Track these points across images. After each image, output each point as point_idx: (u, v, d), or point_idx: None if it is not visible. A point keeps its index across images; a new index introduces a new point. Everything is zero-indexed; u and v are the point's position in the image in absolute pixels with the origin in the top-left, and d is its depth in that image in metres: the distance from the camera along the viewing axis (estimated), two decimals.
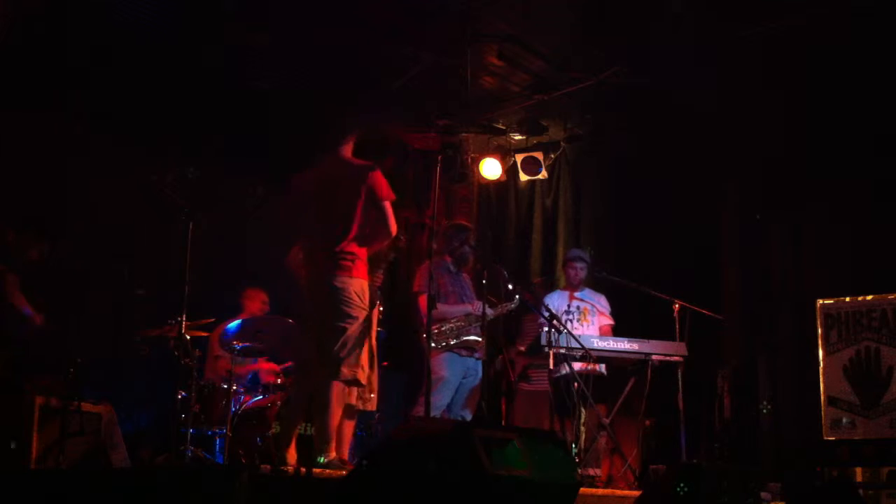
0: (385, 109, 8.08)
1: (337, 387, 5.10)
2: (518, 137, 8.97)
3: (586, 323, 7.24)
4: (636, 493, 5.39)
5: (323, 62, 7.22)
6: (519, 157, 8.85)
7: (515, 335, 7.69)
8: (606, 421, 6.65)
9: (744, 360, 7.13)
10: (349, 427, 5.93)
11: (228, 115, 7.25)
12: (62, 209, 6.87)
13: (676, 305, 6.83)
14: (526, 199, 9.13)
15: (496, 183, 8.99)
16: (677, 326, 6.80)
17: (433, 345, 6.33)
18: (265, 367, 7.24)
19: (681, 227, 7.65)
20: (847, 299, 6.18)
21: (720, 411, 6.67)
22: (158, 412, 6.77)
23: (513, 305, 6.99)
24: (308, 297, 5.25)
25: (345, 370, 5.11)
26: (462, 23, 6.86)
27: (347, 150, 5.45)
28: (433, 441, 3.76)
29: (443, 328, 6.62)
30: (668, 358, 6.71)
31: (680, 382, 6.64)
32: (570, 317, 7.20)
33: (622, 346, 6.73)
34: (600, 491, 5.77)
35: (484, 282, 6.48)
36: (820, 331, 6.21)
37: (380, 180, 5.22)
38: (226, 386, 6.53)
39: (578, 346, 6.43)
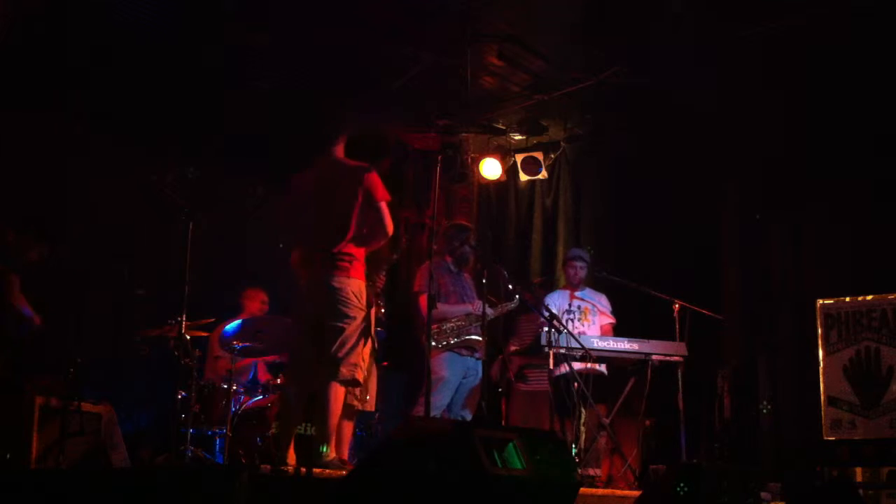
0: (385, 109, 8.08)
1: (336, 387, 5.11)
2: (518, 137, 8.97)
3: (587, 322, 7.23)
4: (636, 493, 5.39)
5: (323, 62, 7.22)
6: (519, 157, 8.86)
7: (509, 335, 7.69)
8: (606, 421, 6.66)
9: (744, 360, 7.13)
10: (349, 427, 5.94)
11: (228, 115, 7.26)
12: (62, 209, 6.88)
13: (676, 305, 6.83)
14: (526, 199, 9.13)
15: (496, 183, 8.99)
16: (677, 326, 6.80)
17: (433, 344, 6.33)
18: (269, 359, 7.23)
19: (681, 227, 7.65)
20: (847, 299, 6.18)
21: (720, 411, 6.67)
22: (158, 412, 6.78)
23: (513, 305, 6.99)
24: (306, 297, 5.26)
25: (343, 370, 5.12)
26: (462, 23, 6.86)
27: (339, 151, 5.45)
28: (433, 441, 3.76)
29: (443, 327, 6.62)
30: (668, 358, 6.71)
31: (680, 382, 6.64)
32: (572, 316, 7.20)
33: (622, 346, 6.73)
34: (600, 491, 5.77)
35: (484, 281, 6.48)
36: (820, 331, 6.21)
37: (376, 181, 5.23)
38: (226, 386, 6.53)
39: (578, 346, 6.42)
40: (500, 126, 8.62)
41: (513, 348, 7.59)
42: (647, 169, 8.00)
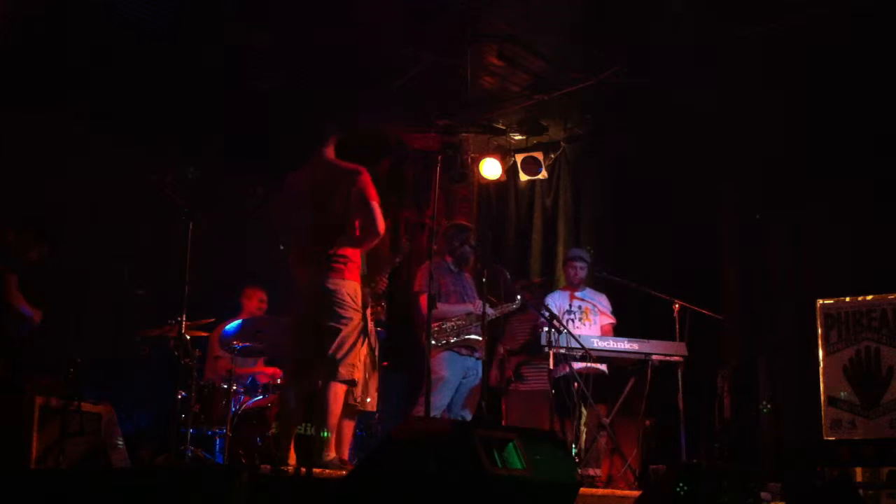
0: (385, 109, 8.08)
1: (335, 387, 5.13)
2: (518, 137, 8.97)
3: (588, 322, 7.23)
4: (636, 493, 5.39)
5: (323, 62, 7.22)
6: (519, 157, 8.86)
7: (499, 336, 7.67)
8: (606, 421, 6.65)
9: (744, 360, 7.13)
10: (349, 427, 5.94)
11: (228, 115, 7.26)
12: (62, 209, 6.87)
13: (676, 305, 6.83)
14: (526, 199, 9.13)
15: (496, 183, 8.99)
16: (677, 326, 6.80)
17: (433, 342, 6.33)
18: (269, 370, 7.24)
19: (681, 227, 7.65)
20: (847, 299, 6.18)
21: (720, 411, 6.67)
22: (158, 412, 6.78)
23: (514, 306, 7.00)
24: (303, 298, 5.27)
25: (342, 371, 5.13)
26: (462, 23, 6.86)
27: (330, 152, 5.46)
28: (433, 441, 3.76)
29: (443, 326, 6.63)
30: (668, 358, 6.71)
31: (680, 382, 6.64)
32: (572, 316, 7.20)
33: (622, 346, 6.72)
34: (600, 491, 5.76)
35: (484, 281, 6.48)
36: (820, 331, 6.20)
37: (368, 182, 5.24)
38: (226, 386, 6.53)
39: (578, 346, 6.42)
40: (500, 126, 8.62)
41: (502, 349, 7.58)
42: (647, 169, 8.00)
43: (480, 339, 6.61)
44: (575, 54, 7.42)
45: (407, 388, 8.00)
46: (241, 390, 6.81)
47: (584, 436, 6.73)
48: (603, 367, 6.95)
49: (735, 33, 6.87)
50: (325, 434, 5.05)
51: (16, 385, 5.57)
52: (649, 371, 6.63)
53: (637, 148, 8.11)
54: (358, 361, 5.27)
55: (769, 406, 7.07)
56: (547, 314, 6.56)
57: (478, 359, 6.73)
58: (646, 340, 6.76)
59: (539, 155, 8.79)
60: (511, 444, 3.92)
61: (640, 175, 8.10)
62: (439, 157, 6.36)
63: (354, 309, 5.19)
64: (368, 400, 6.05)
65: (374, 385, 6.17)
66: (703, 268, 7.45)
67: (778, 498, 5.81)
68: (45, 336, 5.94)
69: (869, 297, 6.12)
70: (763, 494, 5.48)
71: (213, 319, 6.67)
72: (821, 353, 6.18)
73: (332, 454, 5.15)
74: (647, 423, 6.92)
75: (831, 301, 6.21)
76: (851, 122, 6.94)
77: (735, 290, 7.36)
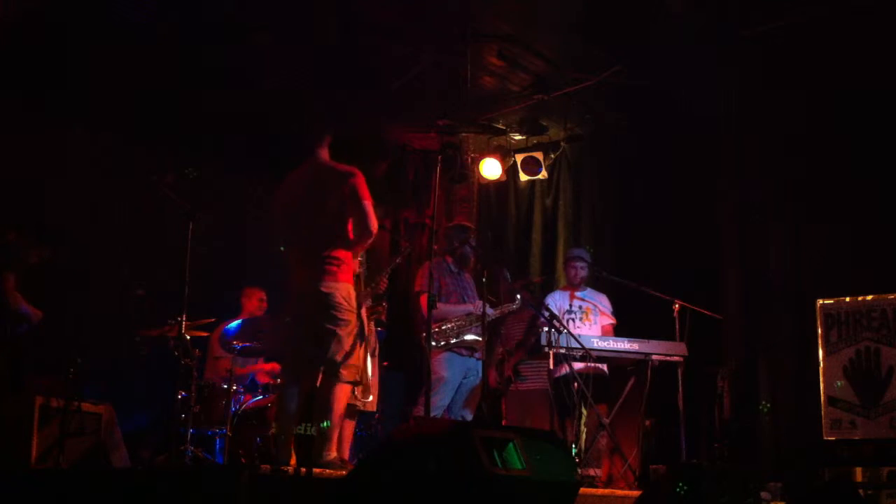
0: (385, 109, 8.09)
1: (338, 389, 5.14)
2: (518, 137, 8.98)
3: (588, 322, 7.23)
4: (636, 493, 5.39)
5: (323, 62, 7.22)
6: (519, 157, 8.86)
7: (497, 336, 7.66)
8: (606, 421, 6.65)
9: (744, 360, 7.12)
10: (349, 427, 5.94)
11: (228, 115, 7.25)
12: (62, 209, 6.87)
13: (676, 305, 6.83)
14: (526, 199, 9.13)
15: (496, 183, 8.99)
16: (677, 326, 6.79)
17: (433, 343, 6.33)
18: (266, 367, 7.24)
19: (681, 227, 7.64)
20: (847, 299, 6.17)
21: (720, 411, 6.66)
22: (158, 412, 6.77)
23: (515, 306, 7.00)
24: (298, 299, 5.28)
25: (344, 372, 5.15)
26: (462, 23, 6.86)
27: (324, 153, 5.46)
28: (433, 441, 3.76)
29: (443, 327, 6.63)
30: (668, 358, 6.70)
31: (680, 382, 6.64)
32: (573, 316, 7.20)
33: (622, 346, 6.72)
34: (600, 491, 5.76)
35: (484, 281, 6.48)
36: (820, 331, 6.20)
37: (362, 183, 5.24)
38: (226, 386, 6.53)
39: (578, 346, 6.42)
40: (500, 126, 8.62)
41: (500, 350, 7.57)
42: (647, 169, 8.00)
43: (480, 339, 6.61)
44: (575, 54, 7.42)
45: (407, 388, 8.00)
46: (241, 390, 6.81)
47: (584, 436, 6.73)
48: (603, 366, 6.95)
49: (735, 33, 6.87)
50: (327, 424, 5.05)
51: (16, 385, 5.57)
52: (649, 371, 6.63)
53: (637, 148, 8.11)
54: (358, 362, 5.28)
55: (769, 406, 7.06)
56: (547, 314, 6.55)
57: (478, 359, 6.73)
58: (646, 340, 6.75)
59: (539, 155, 8.79)
60: (511, 444, 3.92)
61: (640, 175, 8.10)
62: (439, 157, 6.34)
63: (349, 311, 5.20)
64: (369, 400, 6.05)
65: (374, 385, 6.18)
66: (703, 268, 7.44)
67: (778, 498, 5.81)
68: (45, 336, 5.93)
69: (869, 297, 6.12)
70: (763, 494, 5.48)
71: (213, 319, 6.67)
72: (821, 353, 6.18)
73: (334, 454, 5.16)
74: (647, 423, 6.91)
75: (831, 301, 6.21)
76: (851, 122, 6.94)
77: (735, 290, 7.35)
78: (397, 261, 6.70)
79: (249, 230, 7.62)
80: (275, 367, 7.06)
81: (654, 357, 6.69)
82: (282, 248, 5.42)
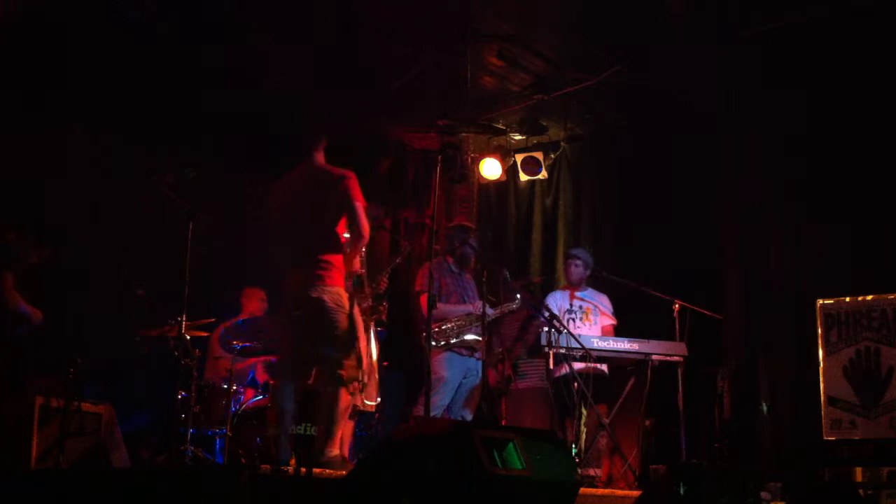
0: (385, 109, 8.09)
1: (343, 390, 5.15)
2: (518, 137, 8.98)
3: (588, 322, 7.23)
4: (636, 493, 5.39)
5: (323, 62, 7.22)
6: (519, 157, 8.86)
7: (492, 336, 7.65)
8: (606, 421, 6.65)
9: (744, 360, 7.12)
10: (349, 426, 5.95)
11: (228, 115, 7.25)
12: (62, 209, 6.87)
13: (676, 305, 6.83)
14: (526, 199, 9.13)
15: (496, 183, 8.99)
16: (677, 326, 6.79)
17: (433, 343, 6.33)
18: (264, 358, 7.22)
19: (681, 226, 7.64)
20: (847, 299, 6.17)
21: (720, 411, 6.66)
22: (158, 412, 6.77)
23: (514, 306, 7.00)
24: (290, 302, 5.29)
25: (343, 374, 5.17)
26: (462, 23, 6.86)
27: (320, 156, 5.46)
28: (433, 441, 3.76)
29: (443, 327, 6.63)
30: (668, 358, 6.71)
31: (680, 382, 6.64)
32: (573, 316, 7.20)
33: (622, 346, 6.72)
34: (600, 491, 5.76)
35: (484, 281, 6.48)
36: (820, 331, 6.20)
37: (354, 186, 5.25)
38: (226, 386, 6.53)
39: (578, 346, 6.42)
40: (500, 126, 8.62)
41: (498, 350, 7.57)
42: (647, 169, 7.99)
43: (480, 339, 6.62)
44: (575, 54, 7.42)
45: (407, 388, 8.00)
46: (241, 390, 6.81)
47: (584, 436, 6.73)
48: (603, 366, 6.95)
49: (735, 33, 6.87)
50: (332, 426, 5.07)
51: (16, 385, 5.57)
52: (649, 371, 6.63)
53: (637, 148, 8.11)
54: (356, 361, 5.28)
55: (769, 406, 7.06)
56: (547, 314, 6.55)
57: (478, 359, 6.73)
58: (646, 340, 6.75)
59: (539, 155, 8.79)
60: (511, 444, 3.92)
61: (640, 175, 8.10)
62: (439, 157, 6.35)
63: (342, 313, 5.20)
64: (368, 400, 6.05)
65: (374, 385, 6.18)
66: (703, 268, 7.44)
67: (778, 498, 5.81)
68: (45, 336, 5.93)
69: (869, 297, 6.11)
70: (763, 494, 5.48)
71: (213, 319, 6.67)
72: (821, 353, 6.18)
73: (336, 451, 5.17)
74: (647, 423, 6.92)
75: (831, 301, 6.20)
76: (851, 122, 6.93)
77: (735, 290, 7.35)
78: (397, 260, 6.71)
79: (249, 230, 7.61)
80: (272, 359, 7.05)
81: (654, 357, 6.69)
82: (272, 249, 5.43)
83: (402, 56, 7.26)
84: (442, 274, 6.81)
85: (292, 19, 6.69)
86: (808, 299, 6.48)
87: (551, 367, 6.58)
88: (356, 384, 5.24)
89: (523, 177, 8.90)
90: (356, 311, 5.33)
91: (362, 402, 5.90)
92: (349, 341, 5.19)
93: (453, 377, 6.66)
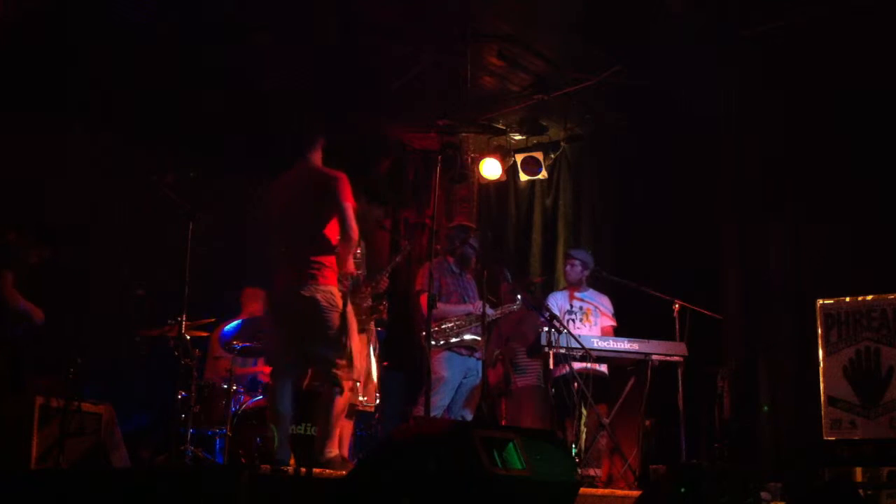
0: (385, 109, 8.09)
1: (335, 391, 5.14)
2: (518, 137, 8.98)
3: (588, 323, 7.23)
4: (636, 493, 5.39)
5: (323, 62, 7.22)
6: (519, 157, 8.86)
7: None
8: (606, 421, 6.65)
9: (744, 360, 7.12)
10: (349, 426, 5.96)
11: (228, 115, 7.25)
12: (62, 209, 6.87)
13: (676, 305, 6.83)
14: (526, 199, 9.13)
15: (496, 183, 8.99)
16: (677, 326, 6.79)
17: (433, 343, 6.33)
18: (268, 369, 7.23)
19: (681, 226, 7.64)
20: (847, 299, 6.17)
21: (720, 411, 6.66)
22: (158, 412, 6.77)
23: (515, 306, 7.00)
24: (280, 303, 5.29)
25: (337, 374, 5.16)
26: (462, 23, 6.86)
27: (315, 157, 5.46)
28: (433, 441, 3.76)
29: (443, 326, 6.63)
30: (668, 358, 6.70)
31: (680, 382, 6.63)
32: (573, 317, 7.20)
33: (622, 346, 6.72)
34: (600, 491, 5.76)
35: (484, 281, 6.48)
36: (820, 331, 6.20)
37: (344, 188, 5.24)
38: (226, 386, 6.53)
39: (578, 346, 6.42)
40: (500, 126, 8.62)
41: (496, 351, 7.57)
42: (647, 169, 7.99)
43: (480, 339, 6.62)
44: (575, 54, 7.42)
45: (407, 388, 8.00)
46: (241, 390, 6.81)
47: (584, 436, 6.73)
48: (603, 367, 6.95)
49: (735, 33, 6.87)
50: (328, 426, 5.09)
51: (16, 385, 5.57)
52: (649, 371, 6.63)
53: (637, 148, 8.11)
54: (350, 361, 5.27)
55: (769, 406, 7.06)
56: (547, 314, 6.55)
57: (478, 359, 6.73)
58: (646, 340, 6.75)
59: (539, 155, 8.79)
60: (511, 444, 3.92)
61: (640, 175, 8.10)
62: (439, 157, 6.35)
63: (335, 312, 5.20)
64: (368, 400, 6.05)
65: (373, 385, 6.18)
66: (703, 268, 7.44)
67: (778, 498, 5.81)
68: (45, 336, 5.93)
69: (869, 297, 6.11)
70: (763, 494, 5.48)
71: (213, 319, 6.67)
72: (821, 353, 6.18)
73: (335, 451, 5.17)
74: (647, 423, 6.92)
75: (831, 301, 6.20)
76: (851, 122, 6.94)
77: (735, 290, 7.35)
78: (397, 259, 6.71)
79: (249, 230, 7.61)
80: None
81: (654, 357, 6.69)
82: (283, 250, 5.42)
83: (402, 56, 7.26)
84: (442, 274, 6.81)
85: (292, 19, 6.69)
86: (808, 299, 6.48)
87: (551, 367, 6.57)
88: (350, 383, 5.23)
89: (523, 177, 8.90)
90: (349, 310, 5.33)
91: (358, 400, 5.90)
92: (342, 341, 5.19)
93: (453, 377, 6.66)
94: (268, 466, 4.45)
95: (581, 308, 7.27)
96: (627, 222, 8.26)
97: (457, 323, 6.69)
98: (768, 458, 6.92)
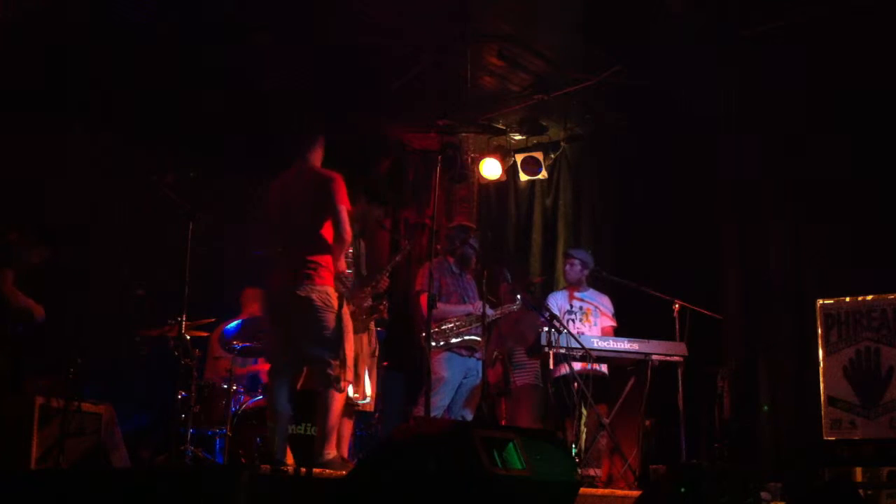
0: (385, 109, 8.09)
1: (333, 392, 5.15)
2: (518, 137, 8.98)
3: (588, 323, 7.22)
4: (636, 493, 5.39)
5: (323, 62, 7.22)
6: (519, 157, 8.86)
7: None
8: (606, 421, 6.65)
9: (744, 360, 7.12)
10: (348, 426, 5.95)
11: (228, 115, 7.25)
12: (62, 209, 6.87)
13: (676, 305, 6.83)
14: (526, 199, 9.13)
15: (496, 183, 8.99)
16: (677, 326, 6.79)
17: (433, 343, 6.33)
18: (267, 367, 7.24)
19: (681, 226, 7.64)
20: (847, 299, 6.17)
21: (720, 411, 6.66)
22: (158, 412, 6.78)
23: (515, 307, 6.99)
24: (276, 304, 5.30)
25: (333, 374, 5.16)
26: (462, 23, 6.86)
27: (313, 158, 5.46)
28: (433, 441, 3.76)
29: (443, 327, 6.63)
30: (668, 358, 6.70)
31: (680, 382, 6.63)
32: (573, 317, 7.20)
33: (622, 346, 6.72)
34: (600, 491, 5.76)
35: (484, 281, 6.48)
36: (820, 331, 6.20)
37: (339, 189, 5.25)
38: (226, 386, 6.53)
39: (578, 346, 6.42)
40: (500, 126, 8.62)
41: (495, 352, 7.57)
42: (647, 169, 7.99)
43: (480, 339, 6.62)
44: (575, 54, 7.42)
45: (407, 388, 8.00)
46: (241, 390, 6.81)
47: (584, 436, 6.73)
48: (603, 367, 6.95)
49: (735, 33, 6.87)
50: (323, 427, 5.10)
51: (16, 385, 5.56)
52: (649, 371, 6.63)
53: (637, 148, 8.11)
54: (344, 362, 5.27)
55: (769, 406, 7.06)
56: (547, 314, 6.55)
57: (478, 359, 6.73)
58: (646, 340, 6.75)
59: (539, 155, 8.79)
60: (511, 444, 3.92)
61: (640, 175, 8.10)
62: (439, 157, 6.34)
63: (330, 312, 5.20)
64: (367, 399, 6.05)
65: (373, 384, 6.18)
66: (703, 268, 7.45)
67: (778, 498, 5.81)
68: (45, 336, 5.93)
69: (869, 297, 6.11)
70: (763, 494, 5.48)
71: (213, 319, 6.67)
72: (821, 353, 6.18)
73: (334, 452, 5.17)
74: (647, 423, 6.92)
75: (831, 301, 6.21)
76: (851, 122, 6.94)
77: (735, 290, 7.35)
78: (397, 259, 6.71)
79: (249, 230, 7.61)
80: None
81: (654, 357, 6.69)
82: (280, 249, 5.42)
83: (402, 56, 7.26)
84: (442, 274, 6.81)
85: (292, 19, 6.69)
86: (808, 299, 6.49)
87: (551, 367, 6.57)
88: (344, 383, 5.24)
89: (523, 177, 8.90)
90: (346, 312, 5.33)
91: (355, 398, 5.89)
92: (337, 341, 5.19)
93: (453, 377, 6.66)
94: (268, 466, 4.45)
95: (581, 308, 7.27)
96: (627, 222, 8.26)
97: (457, 323, 6.69)
98: (768, 458, 6.92)
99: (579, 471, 5.87)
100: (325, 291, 5.20)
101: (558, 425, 6.63)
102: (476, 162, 8.83)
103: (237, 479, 3.76)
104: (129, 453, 5.94)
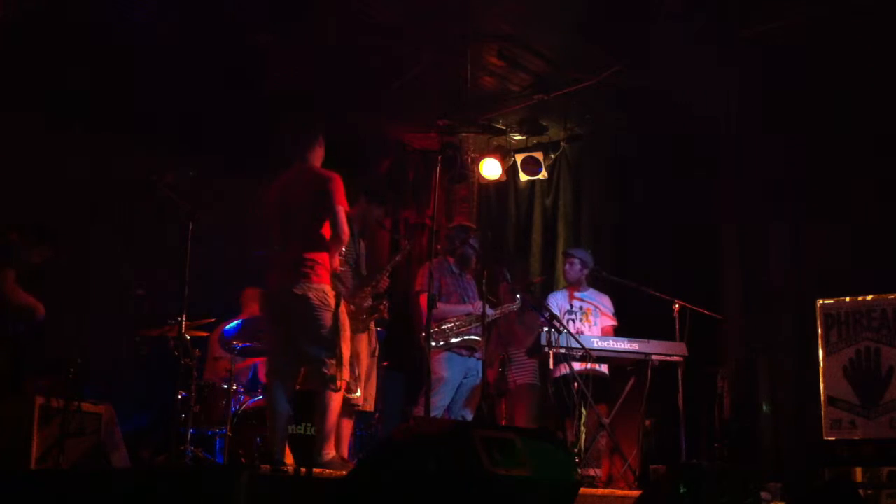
0: (385, 109, 8.09)
1: (330, 392, 5.15)
2: (518, 137, 8.98)
3: (588, 323, 7.22)
4: (636, 493, 5.39)
5: (323, 62, 7.21)
6: (519, 157, 8.86)
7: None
8: (606, 421, 6.65)
9: (744, 360, 7.12)
10: (348, 425, 5.95)
11: (228, 115, 7.25)
12: (62, 209, 6.87)
13: (676, 305, 6.83)
14: (526, 199, 9.13)
15: (496, 183, 8.99)
16: (677, 326, 6.79)
17: (433, 343, 6.33)
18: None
19: (681, 227, 7.64)
20: (847, 299, 6.17)
21: (720, 411, 6.66)
22: (158, 412, 6.78)
23: (515, 307, 7.00)
24: (275, 302, 5.30)
25: (329, 373, 5.16)
26: (462, 23, 6.86)
27: (312, 158, 5.46)
28: (433, 441, 3.76)
29: (443, 327, 6.63)
30: (668, 358, 6.70)
31: (680, 382, 6.63)
32: (573, 317, 7.20)
33: (622, 346, 6.72)
34: (600, 491, 5.76)
35: (484, 281, 6.48)
36: (820, 331, 6.20)
37: (337, 189, 5.25)
38: (226, 386, 6.53)
39: (578, 346, 6.42)
40: (500, 126, 8.62)
41: (494, 353, 7.56)
42: (647, 169, 7.99)
43: (480, 339, 6.62)
44: (575, 54, 7.42)
45: (407, 388, 8.00)
46: (241, 390, 6.82)
47: (584, 436, 6.73)
48: (603, 367, 6.95)
49: (735, 33, 6.87)
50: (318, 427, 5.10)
51: (16, 385, 5.56)
52: (649, 371, 6.63)
53: (637, 148, 8.11)
54: (340, 361, 5.27)
55: (769, 406, 7.06)
56: (547, 314, 6.55)
57: (478, 359, 6.73)
58: (646, 340, 6.75)
59: (539, 155, 8.79)
60: (511, 444, 3.92)
61: (640, 175, 8.10)
62: (439, 157, 6.35)
63: (327, 311, 5.20)
64: (366, 399, 6.05)
65: (373, 385, 6.18)
66: (703, 268, 7.45)
67: (778, 498, 5.81)
68: (45, 336, 5.93)
69: (869, 297, 6.11)
70: (763, 494, 5.47)
71: (213, 319, 6.67)
72: (821, 353, 6.18)
73: (333, 452, 5.17)
74: (647, 423, 6.92)
75: (831, 301, 6.21)
76: (851, 122, 6.94)
77: (735, 290, 7.35)
78: (397, 259, 6.71)
79: (249, 230, 7.61)
80: None
81: (654, 357, 6.69)
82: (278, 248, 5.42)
83: (402, 56, 7.26)
84: (442, 274, 6.81)
85: (292, 19, 6.69)
86: (808, 299, 6.48)
87: (551, 367, 6.57)
88: (341, 383, 5.24)
89: (523, 177, 8.90)
90: (343, 311, 5.33)
91: (353, 397, 5.89)
92: (333, 340, 5.19)
93: (453, 377, 6.66)
94: (268, 466, 4.45)
95: (581, 308, 7.27)
96: (627, 222, 8.26)
97: (457, 323, 6.69)
98: (768, 458, 6.92)
99: (579, 471, 5.87)
100: (322, 290, 5.20)
101: (558, 425, 6.63)
102: (476, 162, 8.83)
103: (237, 479, 3.75)
104: (129, 453, 5.94)
